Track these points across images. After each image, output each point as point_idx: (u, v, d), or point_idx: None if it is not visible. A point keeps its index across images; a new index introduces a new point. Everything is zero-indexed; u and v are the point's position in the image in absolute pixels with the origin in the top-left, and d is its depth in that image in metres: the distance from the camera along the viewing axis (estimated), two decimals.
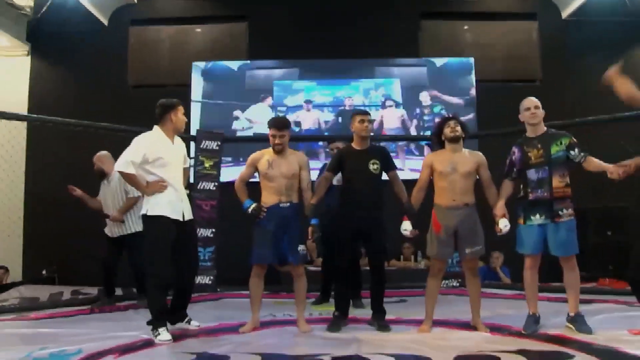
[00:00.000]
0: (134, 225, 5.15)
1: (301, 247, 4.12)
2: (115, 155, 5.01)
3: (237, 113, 8.44)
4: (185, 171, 4.30)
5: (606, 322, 3.74)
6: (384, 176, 4.30)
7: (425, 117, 8.38)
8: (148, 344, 3.66)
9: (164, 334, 3.75)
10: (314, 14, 8.50)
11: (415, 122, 8.39)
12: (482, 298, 4.18)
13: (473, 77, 8.43)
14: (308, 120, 8.44)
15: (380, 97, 8.48)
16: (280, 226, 4.08)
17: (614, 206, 7.32)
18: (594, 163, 3.81)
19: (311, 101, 8.48)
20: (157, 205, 3.89)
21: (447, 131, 4.08)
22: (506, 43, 8.73)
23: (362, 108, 4.57)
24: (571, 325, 3.80)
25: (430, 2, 8.75)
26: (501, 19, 8.78)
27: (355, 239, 4.27)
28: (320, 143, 8.05)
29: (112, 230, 5.23)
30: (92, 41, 8.57)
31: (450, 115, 4.23)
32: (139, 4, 8.72)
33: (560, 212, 3.81)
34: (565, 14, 8.59)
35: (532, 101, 3.96)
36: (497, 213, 3.94)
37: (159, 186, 3.91)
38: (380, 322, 4.16)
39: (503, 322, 4.17)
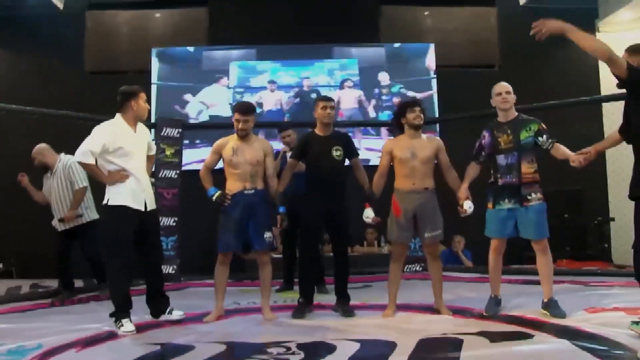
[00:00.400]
0: (84, 215, 5.09)
1: (267, 234, 4.12)
2: (74, 145, 4.94)
3: (187, 97, 8.24)
4: (151, 158, 4.26)
5: (564, 303, 3.85)
6: (347, 162, 4.33)
7: (384, 97, 8.39)
8: (111, 335, 3.64)
9: (127, 325, 3.71)
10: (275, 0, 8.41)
11: (373, 102, 8.39)
12: (444, 281, 4.27)
13: (428, 60, 8.47)
14: (270, 101, 8.32)
15: (341, 78, 8.46)
16: (246, 213, 4.07)
17: (571, 189, 7.55)
18: (561, 150, 3.85)
19: (275, 82, 8.38)
20: (118, 195, 3.84)
21: (410, 117, 4.11)
22: (466, 29, 8.79)
23: (324, 94, 4.53)
24: (545, 311, 3.84)
25: None
26: (460, 4, 8.83)
27: (319, 225, 4.29)
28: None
29: (56, 223, 5.13)
30: (48, 26, 8.27)
31: (415, 100, 4.25)
32: None
33: (528, 197, 3.86)
34: (522, 0, 8.72)
35: (503, 86, 3.99)
36: (461, 195, 4.00)
37: (119, 176, 3.85)
38: (344, 307, 4.21)
39: (465, 304, 4.29)
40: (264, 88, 8.35)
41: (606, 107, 8.38)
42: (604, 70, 8.57)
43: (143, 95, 4.01)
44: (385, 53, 8.51)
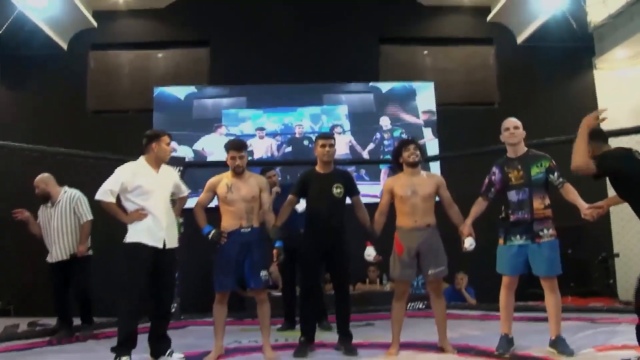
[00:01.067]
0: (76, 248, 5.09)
1: (264, 273, 4.07)
2: (70, 182, 4.95)
3: (173, 145, 8.10)
4: (182, 200, 4.44)
5: (571, 340, 3.78)
6: (348, 200, 4.33)
7: (386, 142, 8.44)
8: None
9: None
10: (277, 41, 8.56)
11: (371, 145, 8.42)
12: (448, 319, 4.19)
13: (417, 102, 8.54)
14: (261, 148, 8.37)
15: (328, 124, 8.49)
16: (242, 251, 4.03)
17: (572, 225, 7.49)
18: (571, 195, 3.81)
19: (263, 128, 8.42)
20: (135, 233, 3.91)
21: (405, 155, 4.13)
22: (464, 67, 8.96)
23: (326, 132, 4.56)
24: (553, 349, 3.77)
25: (389, 28, 8.90)
26: (459, 44, 9.02)
27: (319, 262, 4.25)
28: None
29: (61, 252, 5.09)
30: (51, 65, 8.41)
31: (409, 139, 4.28)
32: (99, 28, 8.60)
33: (540, 233, 3.81)
34: (520, 39, 8.87)
35: (511, 122, 3.97)
36: (464, 231, 3.97)
37: (137, 215, 3.92)
38: (347, 346, 4.14)
39: (470, 342, 4.21)
40: (251, 136, 8.33)
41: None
42: (602, 103, 8.69)
43: (166, 139, 4.09)
44: (374, 98, 8.57)
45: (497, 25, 8.95)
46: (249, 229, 4.06)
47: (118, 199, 3.95)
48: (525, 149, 3.98)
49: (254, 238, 4.07)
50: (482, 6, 8.94)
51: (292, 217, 4.43)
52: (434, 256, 4.03)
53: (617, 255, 7.89)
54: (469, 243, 3.94)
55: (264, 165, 7.75)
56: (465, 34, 9.03)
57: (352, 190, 4.33)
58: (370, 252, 4.10)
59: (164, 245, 3.95)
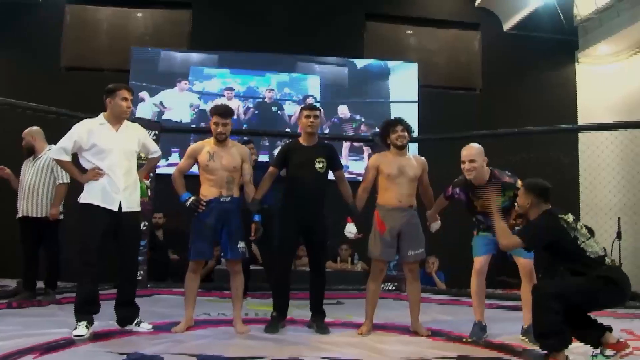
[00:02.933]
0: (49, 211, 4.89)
1: (241, 244, 3.97)
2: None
3: (143, 95, 7.95)
4: (150, 161, 4.18)
5: None
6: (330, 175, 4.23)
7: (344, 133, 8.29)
8: (72, 342, 3.42)
9: (79, 329, 3.57)
10: (261, 7, 8.34)
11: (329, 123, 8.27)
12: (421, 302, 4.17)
13: (389, 82, 8.43)
14: None
15: (295, 93, 8.29)
16: (220, 220, 3.92)
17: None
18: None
19: (232, 89, 8.16)
20: (89, 193, 3.74)
21: (393, 137, 4.06)
22: (449, 50, 8.88)
23: (311, 103, 4.41)
24: (525, 338, 3.77)
25: (376, 4, 8.75)
26: (445, 26, 8.93)
27: (296, 236, 4.15)
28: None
29: (28, 208, 4.88)
30: (26, 17, 8.04)
31: (397, 119, 4.15)
32: None
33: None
34: (506, 26, 8.83)
35: (465, 155, 3.86)
36: (430, 218, 4.18)
37: (92, 174, 3.74)
38: (319, 324, 4.07)
39: (441, 327, 4.19)
40: (217, 95, 8.11)
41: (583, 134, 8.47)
42: (582, 97, 8.76)
43: (122, 93, 3.84)
44: (348, 73, 8.39)
45: (485, 11, 8.89)
46: (229, 199, 3.95)
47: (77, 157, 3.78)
48: (487, 177, 3.86)
49: (233, 207, 3.97)
50: None
51: (270, 192, 4.30)
52: (415, 238, 4.00)
53: None
54: (435, 227, 4.14)
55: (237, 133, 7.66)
56: (452, 16, 8.92)
57: (335, 165, 4.22)
58: (351, 229, 4.02)
59: (120, 207, 3.75)
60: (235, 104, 8.05)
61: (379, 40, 8.73)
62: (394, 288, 6.30)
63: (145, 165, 4.24)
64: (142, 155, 4.21)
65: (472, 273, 4.00)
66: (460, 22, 8.95)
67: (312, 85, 8.35)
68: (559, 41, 8.77)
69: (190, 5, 8.41)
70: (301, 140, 4.23)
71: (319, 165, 4.09)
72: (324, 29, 8.36)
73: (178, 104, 8.05)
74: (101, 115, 3.85)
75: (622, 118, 7.10)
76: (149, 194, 4.22)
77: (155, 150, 4.15)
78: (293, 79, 8.37)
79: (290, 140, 4.41)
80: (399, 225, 3.97)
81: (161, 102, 8.02)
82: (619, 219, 7.15)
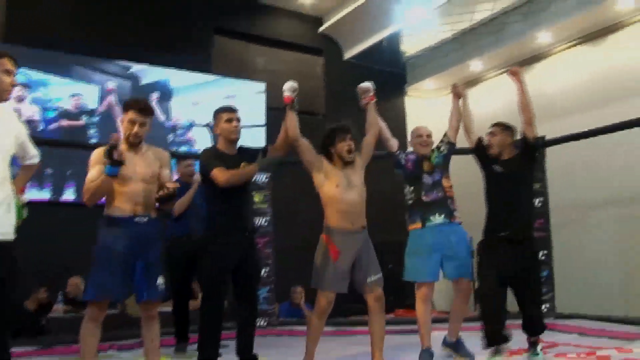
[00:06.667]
0: None
1: (161, 281, 3.12)
2: None
3: None
4: (28, 169, 2.99)
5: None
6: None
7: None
8: None
9: None
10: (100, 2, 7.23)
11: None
12: (292, 336, 3.75)
13: (172, 103, 7.65)
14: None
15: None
16: (134, 248, 3.02)
17: (393, 240, 7.75)
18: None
19: (28, 86, 6.61)
20: None
21: (341, 147, 3.53)
22: (294, 73, 8.70)
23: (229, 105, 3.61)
24: (450, 350, 3.77)
25: (226, 19, 8.23)
26: (290, 49, 8.78)
27: (230, 266, 3.40)
28: None
29: None
30: None
31: (344, 126, 3.63)
32: None
33: (454, 213, 3.80)
34: (346, 55, 9.04)
35: (424, 129, 3.98)
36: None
37: None
38: None
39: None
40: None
41: None
42: (411, 127, 9.26)
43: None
44: (131, 87, 7.35)
45: (328, 38, 8.99)
46: (146, 219, 3.08)
47: None
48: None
49: (152, 232, 3.11)
50: (316, 15, 8.88)
51: (192, 214, 3.54)
52: (371, 262, 3.51)
53: None
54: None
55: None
56: (297, 39, 8.83)
57: (261, 152, 3.63)
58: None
59: None
60: (30, 110, 6.61)
61: (228, 57, 8.19)
62: (265, 324, 5.71)
63: (21, 175, 3.01)
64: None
65: (417, 300, 3.76)
66: (305, 47, 8.90)
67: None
68: (392, 74, 9.26)
69: None
70: (222, 148, 3.52)
71: None
72: (169, 39, 7.55)
73: None
74: None
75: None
76: (25, 215, 2.95)
77: (34, 154, 3.00)
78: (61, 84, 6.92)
79: (209, 147, 3.67)
80: (355, 251, 3.45)
81: None
82: None
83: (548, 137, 5.88)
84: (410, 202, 3.86)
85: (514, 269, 3.46)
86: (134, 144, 3.12)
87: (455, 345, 3.82)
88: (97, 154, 3.09)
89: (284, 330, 5.48)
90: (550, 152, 5.94)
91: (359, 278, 3.48)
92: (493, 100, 7.89)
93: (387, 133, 3.97)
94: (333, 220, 3.48)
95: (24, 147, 2.90)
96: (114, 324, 4.84)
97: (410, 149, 4.08)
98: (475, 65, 8.52)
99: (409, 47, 9.41)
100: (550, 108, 7.42)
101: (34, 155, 2.98)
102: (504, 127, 3.71)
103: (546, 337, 4.34)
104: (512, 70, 3.73)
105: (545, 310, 5.50)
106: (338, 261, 3.41)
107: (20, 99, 6.48)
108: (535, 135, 3.64)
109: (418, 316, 3.77)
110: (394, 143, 3.96)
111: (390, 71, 9.23)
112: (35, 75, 6.66)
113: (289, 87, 3.69)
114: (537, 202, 5.76)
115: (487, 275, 3.50)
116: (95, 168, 3.04)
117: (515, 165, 3.62)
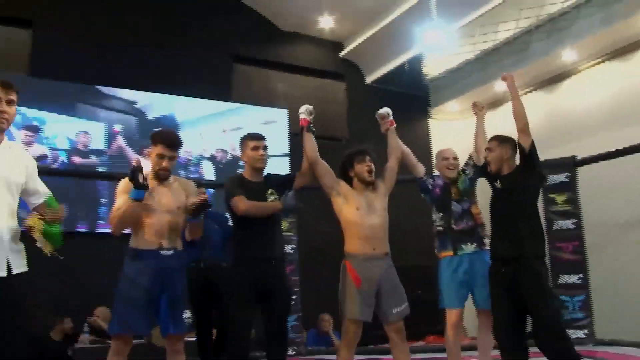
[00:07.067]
0: None
1: (187, 314, 3.05)
2: None
3: None
4: (41, 207, 2.60)
5: None
6: None
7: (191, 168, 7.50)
8: None
9: None
10: (117, 33, 7.30)
11: None
12: None
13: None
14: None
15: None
16: (159, 282, 2.96)
17: (420, 265, 7.58)
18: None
19: (39, 129, 6.65)
20: None
21: (360, 169, 3.43)
22: (315, 99, 8.69)
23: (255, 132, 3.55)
24: None
25: (245, 47, 8.28)
26: (311, 74, 8.80)
27: (254, 306, 3.29)
28: None
29: None
30: None
31: (363, 149, 3.54)
32: None
33: (484, 240, 3.66)
34: (368, 79, 9.02)
35: (450, 152, 3.84)
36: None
37: None
38: None
39: None
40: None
41: None
42: (436, 149, 9.16)
43: None
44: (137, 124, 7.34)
45: (348, 62, 8.99)
46: (171, 252, 3.01)
47: None
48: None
49: (177, 265, 3.04)
50: (337, 40, 8.90)
51: (214, 241, 3.47)
52: (396, 292, 3.37)
53: None
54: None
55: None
56: (319, 65, 8.85)
57: (288, 179, 3.53)
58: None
59: (9, 269, 2.38)
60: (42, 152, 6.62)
61: (248, 84, 8.22)
62: (294, 353, 5.59)
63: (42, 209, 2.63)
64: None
65: (447, 327, 3.62)
66: (327, 72, 8.90)
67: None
68: (415, 97, 9.20)
69: (30, 24, 6.98)
70: (247, 176, 3.45)
71: (271, 198, 3.37)
72: (188, 68, 7.61)
73: None
74: None
75: None
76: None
77: (45, 191, 2.68)
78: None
79: (235, 175, 3.60)
80: (377, 278, 3.32)
81: None
82: None
83: (579, 156, 5.74)
84: (439, 229, 3.75)
85: (519, 291, 3.20)
86: (161, 179, 3.09)
87: None
88: (124, 183, 3.04)
89: (312, 358, 5.34)
90: (582, 171, 5.76)
91: (383, 307, 3.33)
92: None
93: (412, 158, 3.86)
94: (353, 246, 3.37)
95: (34, 184, 2.62)
96: (141, 354, 4.76)
97: (435, 172, 3.98)
98: (500, 86, 8.38)
99: (431, 69, 9.36)
100: (579, 126, 7.27)
101: (45, 192, 2.67)
102: (500, 141, 3.42)
103: None
104: (503, 75, 3.61)
105: (584, 336, 5.34)
106: (361, 288, 3.29)
107: (28, 143, 6.55)
108: (530, 143, 3.32)
109: (447, 343, 3.66)
110: (420, 169, 3.85)
111: (413, 94, 9.17)
112: (39, 114, 6.71)
113: (304, 110, 3.62)
114: (570, 223, 5.62)
115: (496, 306, 3.31)
116: (122, 197, 3.00)
117: (513, 178, 3.36)
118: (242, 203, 3.24)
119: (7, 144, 2.55)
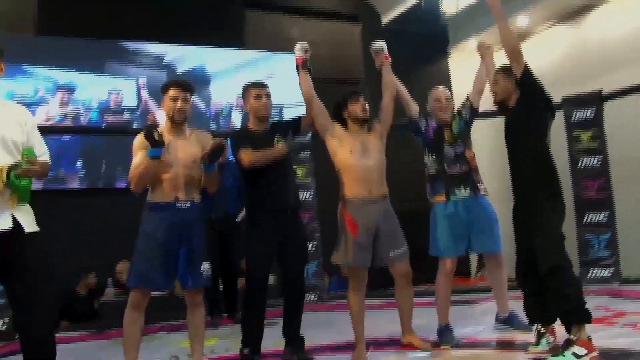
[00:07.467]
0: None
1: (205, 266, 3.04)
2: None
3: None
4: (41, 167, 2.49)
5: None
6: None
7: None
8: None
9: None
10: None
11: None
12: (344, 311, 3.54)
13: (211, 89, 7.52)
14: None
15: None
16: (177, 235, 2.95)
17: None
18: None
19: (72, 89, 6.69)
20: None
21: (354, 108, 3.35)
22: (331, 42, 8.51)
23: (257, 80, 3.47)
24: (505, 325, 3.65)
25: None
26: (325, 17, 8.54)
27: (271, 255, 3.30)
28: None
29: None
30: None
31: (355, 91, 3.50)
32: None
33: (479, 185, 3.57)
34: (384, 20, 8.73)
35: (442, 92, 3.71)
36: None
37: None
38: (300, 354, 3.29)
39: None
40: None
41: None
42: (457, 89, 8.92)
43: None
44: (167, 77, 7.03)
45: (364, 3, 8.69)
46: (188, 205, 2.99)
47: None
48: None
49: (194, 218, 3.02)
50: None
51: (227, 196, 3.45)
52: (394, 235, 3.32)
53: None
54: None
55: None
56: (332, 7, 8.58)
57: (293, 123, 3.49)
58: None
59: (17, 227, 2.37)
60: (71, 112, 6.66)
61: (260, 31, 8.02)
62: (316, 299, 5.64)
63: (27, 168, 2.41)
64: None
65: (439, 274, 3.58)
66: (340, 14, 8.63)
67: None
68: (433, 36, 8.90)
69: None
70: (252, 126, 3.39)
71: (279, 144, 3.30)
72: (201, 17, 7.42)
73: None
74: None
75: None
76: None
77: (45, 151, 2.59)
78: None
79: (240, 127, 3.55)
80: (374, 222, 3.26)
81: None
82: None
83: (605, 90, 5.51)
84: (432, 172, 3.62)
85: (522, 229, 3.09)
86: (178, 122, 3.03)
87: (508, 320, 3.64)
88: (139, 139, 3.01)
89: (335, 304, 5.37)
90: (608, 107, 5.55)
91: (380, 251, 3.29)
92: (544, 55, 7.44)
93: (407, 96, 3.72)
94: (349, 190, 3.30)
95: (32, 139, 2.52)
96: (163, 306, 4.85)
97: None
98: (522, 20, 8.05)
99: (449, 6, 9.00)
100: (605, 61, 6.94)
101: (44, 152, 2.58)
102: (505, 72, 3.17)
103: (613, 304, 4.13)
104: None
105: (609, 275, 5.26)
106: (358, 234, 3.23)
107: (64, 103, 6.61)
108: (523, 70, 3.02)
109: (437, 290, 3.62)
110: (414, 108, 3.71)
111: (431, 34, 8.86)
112: (70, 76, 6.70)
113: (299, 48, 3.47)
114: (595, 160, 5.45)
115: (516, 243, 3.17)
116: (139, 154, 2.97)
117: (516, 110, 3.15)
118: (245, 155, 3.20)
119: (1, 102, 2.52)
